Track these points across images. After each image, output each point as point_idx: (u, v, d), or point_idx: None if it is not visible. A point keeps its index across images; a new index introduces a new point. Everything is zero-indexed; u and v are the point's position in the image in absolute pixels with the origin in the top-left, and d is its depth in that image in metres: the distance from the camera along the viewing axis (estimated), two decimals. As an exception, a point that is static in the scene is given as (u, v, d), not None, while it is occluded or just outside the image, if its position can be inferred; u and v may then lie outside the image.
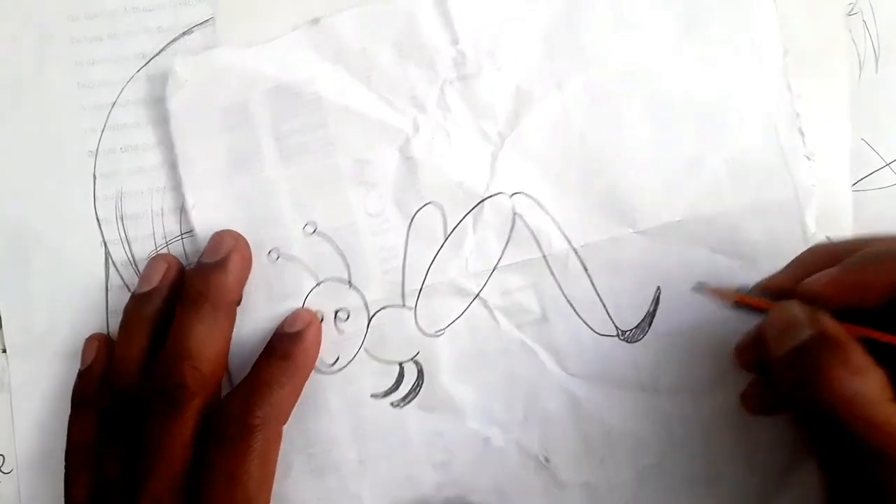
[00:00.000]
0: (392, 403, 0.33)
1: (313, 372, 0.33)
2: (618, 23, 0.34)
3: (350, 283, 0.33)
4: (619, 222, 0.34)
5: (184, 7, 0.34)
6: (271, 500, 0.30)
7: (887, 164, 0.36)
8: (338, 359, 0.33)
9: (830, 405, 0.25)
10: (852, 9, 0.36)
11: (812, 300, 0.28)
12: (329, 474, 0.33)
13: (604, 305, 0.34)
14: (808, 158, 0.34)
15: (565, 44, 0.34)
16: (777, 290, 0.30)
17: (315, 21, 0.33)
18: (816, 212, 0.34)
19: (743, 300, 0.30)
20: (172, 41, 0.34)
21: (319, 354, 0.33)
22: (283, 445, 0.31)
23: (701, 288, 0.32)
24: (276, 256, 0.33)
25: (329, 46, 0.33)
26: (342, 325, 0.33)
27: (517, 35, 0.34)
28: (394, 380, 0.33)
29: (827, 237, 0.34)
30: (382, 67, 0.34)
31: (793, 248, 0.34)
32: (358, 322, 0.33)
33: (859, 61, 0.36)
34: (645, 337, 0.34)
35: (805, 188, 0.34)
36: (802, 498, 0.33)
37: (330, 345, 0.33)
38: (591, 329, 0.34)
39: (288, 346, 0.32)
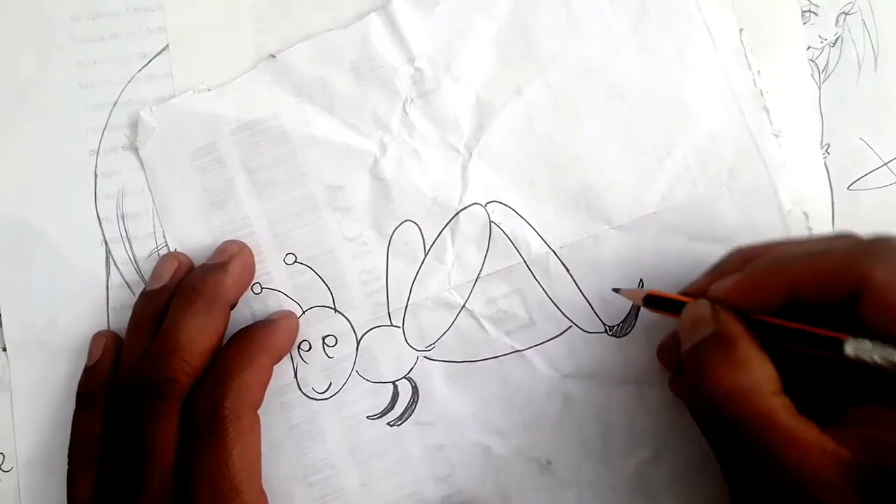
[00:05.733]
0: (389, 423, 0.34)
1: (307, 400, 0.33)
2: (570, 21, 0.34)
3: (335, 308, 0.34)
4: (595, 220, 0.34)
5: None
6: (264, 491, 0.30)
7: (885, 164, 0.35)
8: (330, 385, 0.33)
9: (712, 399, 0.25)
10: (851, 7, 0.36)
11: (720, 303, 0.28)
12: (333, 501, 0.33)
13: (589, 304, 0.34)
14: (777, 136, 0.34)
15: (519, 48, 0.34)
16: (694, 294, 0.30)
17: (272, 57, 0.34)
18: (790, 189, 0.34)
19: (654, 295, 0.31)
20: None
21: (311, 384, 0.33)
22: (283, 475, 0.31)
23: (617, 290, 0.33)
24: (259, 290, 0.34)
25: (288, 80, 0.34)
26: (331, 351, 0.34)
27: (471, 45, 0.34)
28: (389, 399, 0.34)
29: (804, 212, 0.34)
30: (343, 94, 0.34)
31: (770, 228, 0.34)
32: (347, 346, 0.34)
33: (858, 61, 0.36)
34: (633, 330, 0.34)
35: (776, 166, 0.34)
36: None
37: (320, 371, 0.33)
38: (580, 328, 0.34)
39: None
